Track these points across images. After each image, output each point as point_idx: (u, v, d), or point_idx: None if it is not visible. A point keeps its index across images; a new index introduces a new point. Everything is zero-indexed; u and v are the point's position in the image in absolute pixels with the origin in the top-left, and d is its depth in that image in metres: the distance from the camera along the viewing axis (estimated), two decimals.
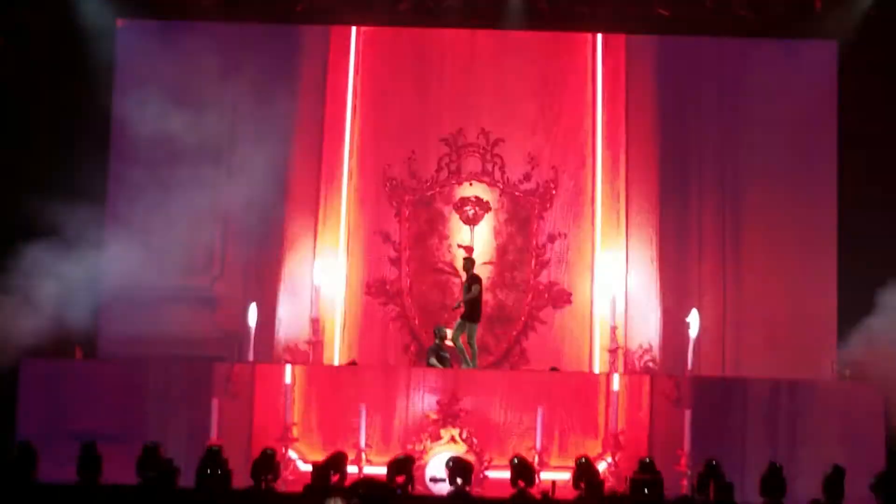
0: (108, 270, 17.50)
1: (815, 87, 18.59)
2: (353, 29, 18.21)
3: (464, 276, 16.89)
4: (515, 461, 12.28)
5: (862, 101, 18.33)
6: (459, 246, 17.63)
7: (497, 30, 18.35)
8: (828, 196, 18.12)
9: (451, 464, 12.11)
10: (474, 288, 16.61)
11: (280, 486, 13.80)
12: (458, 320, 16.51)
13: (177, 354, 17.10)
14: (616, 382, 15.07)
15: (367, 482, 10.27)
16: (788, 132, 18.38)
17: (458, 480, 12.43)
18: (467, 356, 16.32)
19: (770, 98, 18.42)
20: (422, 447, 14.31)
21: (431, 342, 17.21)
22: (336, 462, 12.71)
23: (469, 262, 16.91)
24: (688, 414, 14.56)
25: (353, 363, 16.70)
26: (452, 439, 14.38)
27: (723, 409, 15.10)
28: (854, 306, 17.00)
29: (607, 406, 14.78)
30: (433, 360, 16.12)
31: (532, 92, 18.05)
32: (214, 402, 15.01)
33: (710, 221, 18.12)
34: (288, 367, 15.12)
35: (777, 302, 17.86)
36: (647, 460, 12.82)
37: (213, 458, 12.13)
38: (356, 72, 18.30)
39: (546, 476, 14.12)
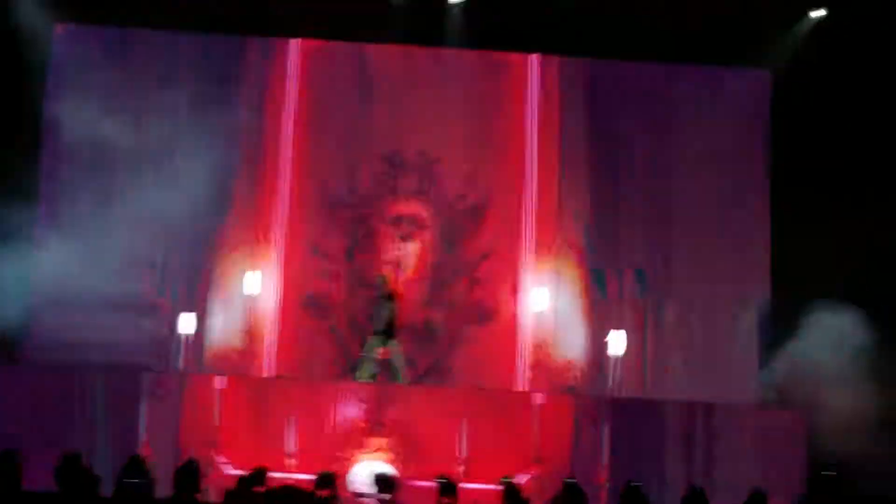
0: (39, 274, 17.54)
1: (747, 116, 18.85)
2: (295, 43, 18.36)
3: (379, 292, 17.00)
4: (440, 480, 12.43)
5: (794, 131, 18.41)
6: (393, 262, 17.75)
7: (436, 48, 18.54)
8: (759, 225, 18.34)
9: (378, 479, 12.20)
10: (389, 304, 16.71)
11: (203, 497, 14.09)
12: (382, 337, 16.54)
13: (108, 361, 16.83)
14: (538, 399, 15.21)
15: (288, 490, 10.53)
16: (720, 160, 18.59)
17: (386, 496, 12.61)
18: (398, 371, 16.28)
19: (702, 125, 18.65)
20: (348, 455, 14.46)
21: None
22: (259, 476, 12.94)
23: (383, 279, 17.08)
24: (606, 429, 14.84)
25: (280, 377, 16.59)
26: (379, 448, 14.55)
27: (641, 429, 15.27)
28: (783, 332, 17.25)
29: (529, 421, 14.95)
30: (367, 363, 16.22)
31: (470, 113, 18.27)
32: (143, 409, 14.99)
33: (640, 246, 18.28)
34: (217, 378, 15.13)
35: (700, 327, 18.04)
36: (572, 481, 12.86)
37: (136, 467, 12.02)
38: (298, 86, 18.33)
39: (470, 486, 14.09)
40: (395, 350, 16.58)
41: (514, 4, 18.37)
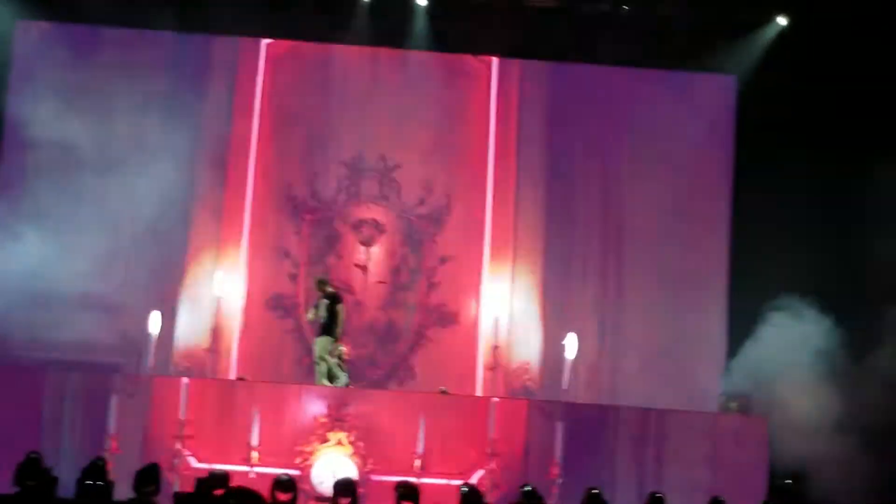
0: (2, 273, 17.46)
1: (711, 121, 18.93)
2: (262, 44, 18.53)
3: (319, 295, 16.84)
4: (401, 486, 12.45)
5: (758, 136, 18.44)
6: (355, 265, 17.98)
7: (399, 51, 18.64)
8: (719, 230, 18.57)
9: (337, 486, 12.04)
10: (340, 307, 16.57)
11: (162, 500, 14.49)
12: (326, 337, 16.46)
13: (77, 360, 17.06)
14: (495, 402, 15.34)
15: (245, 493, 10.60)
16: (683, 164, 18.70)
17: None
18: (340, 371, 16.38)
19: (664, 130, 18.72)
20: (310, 449, 14.66)
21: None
22: (220, 479, 13.02)
23: (324, 282, 16.93)
24: (559, 426, 15.10)
25: (241, 378, 16.66)
26: (339, 442, 14.75)
27: (594, 432, 15.49)
28: (743, 339, 17.27)
29: (485, 419, 15.15)
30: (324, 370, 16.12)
31: (430, 119, 18.44)
32: (112, 407, 15.02)
33: (595, 251, 18.61)
34: (184, 380, 15.26)
35: (658, 332, 18.25)
36: (529, 488, 12.96)
37: (96, 470, 12.08)
38: (263, 90, 18.52)
39: (428, 481, 14.42)
40: (338, 352, 16.64)
41: (478, 7, 18.43)
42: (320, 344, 16.37)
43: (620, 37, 18.71)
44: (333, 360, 16.33)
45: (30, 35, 18.68)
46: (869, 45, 18.26)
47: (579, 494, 13.86)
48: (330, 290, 16.73)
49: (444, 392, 16.54)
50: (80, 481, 11.80)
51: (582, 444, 15.45)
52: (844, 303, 17.13)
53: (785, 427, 16.43)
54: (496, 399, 15.60)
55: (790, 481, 15.87)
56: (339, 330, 16.42)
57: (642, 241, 18.63)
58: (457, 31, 18.63)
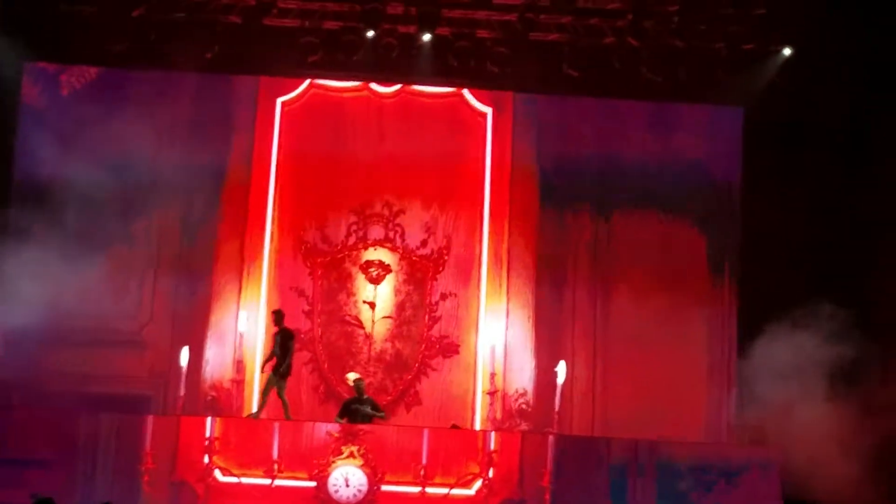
0: (20, 310, 17.53)
1: (719, 152, 19.29)
2: (278, 102, 19.14)
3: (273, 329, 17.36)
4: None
5: (765, 166, 18.56)
6: (365, 302, 18.80)
7: (404, 103, 19.19)
8: (727, 259, 19.01)
9: None
10: (291, 344, 17.22)
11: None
12: (275, 376, 16.95)
13: (108, 393, 18.02)
14: (493, 440, 16.07)
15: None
16: (683, 196, 19.10)
17: None
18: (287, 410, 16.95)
19: (667, 163, 19.19)
20: (325, 461, 15.65)
21: (339, 383, 18.27)
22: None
23: (279, 316, 17.42)
24: (551, 439, 16.10)
25: (252, 416, 17.09)
26: (351, 454, 15.69)
27: (585, 459, 16.13)
28: (753, 366, 17.36)
29: (485, 436, 16.28)
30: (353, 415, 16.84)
31: (431, 169, 19.10)
32: (148, 428, 16.04)
33: (584, 286, 19.06)
34: (209, 420, 16.14)
35: (645, 363, 18.59)
36: None
37: None
38: (279, 144, 19.12)
39: (431, 491, 15.71)
40: (279, 386, 17.03)
41: (482, 41, 18.79)
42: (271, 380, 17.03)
43: (625, 70, 18.82)
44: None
45: (38, 77, 19.14)
46: (873, 75, 18.44)
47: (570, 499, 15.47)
48: (282, 325, 17.32)
49: (455, 427, 17.36)
50: None
51: (572, 457, 16.16)
52: (851, 333, 16.86)
53: (800, 455, 16.33)
54: (493, 442, 16.14)
55: None
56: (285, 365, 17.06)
57: (626, 280, 18.96)
58: (461, 66, 18.85)
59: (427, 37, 18.73)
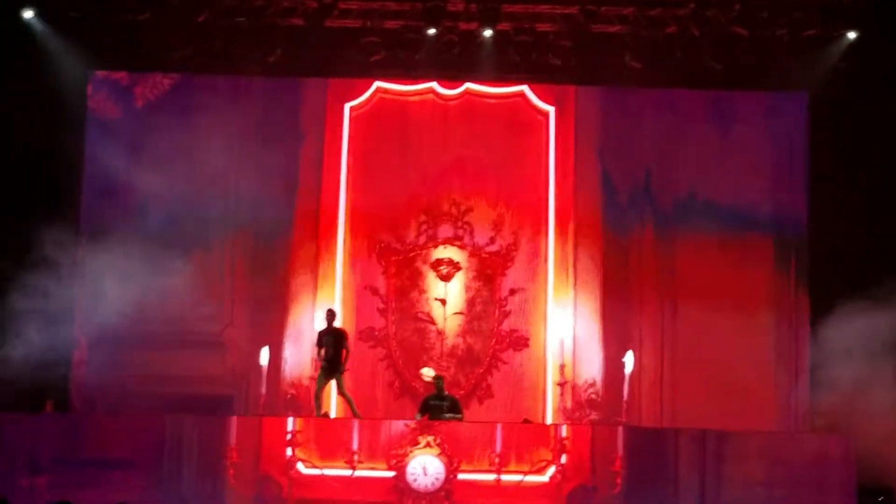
0: (96, 315, 18.25)
1: (785, 139, 19.30)
2: (347, 107, 19.34)
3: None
4: None
5: (832, 152, 18.59)
6: (436, 299, 19.11)
7: (467, 104, 19.30)
8: (797, 245, 19.06)
9: None
10: (346, 342, 17.45)
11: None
12: (332, 375, 17.26)
13: (191, 393, 18.51)
14: (564, 430, 16.44)
15: None
16: (750, 184, 19.12)
17: None
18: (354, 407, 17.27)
19: (733, 152, 19.25)
20: (403, 451, 16.05)
21: (413, 379, 18.62)
22: None
23: (333, 316, 17.67)
24: (620, 431, 16.41)
25: (325, 415, 17.39)
26: (428, 444, 16.06)
27: (654, 449, 16.37)
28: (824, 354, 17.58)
29: (556, 430, 16.57)
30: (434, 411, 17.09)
31: (497, 169, 19.36)
32: (232, 426, 16.47)
33: (650, 276, 19.22)
34: (290, 420, 16.52)
35: (712, 351, 18.76)
36: None
37: None
38: (349, 148, 19.41)
39: (505, 478, 16.01)
40: (340, 383, 17.40)
41: (543, 35, 18.95)
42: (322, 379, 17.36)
43: (688, 59, 18.95)
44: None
45: (112, 89, 19.44)
46: None
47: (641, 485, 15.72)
48: (331, 325, 17.59)
49: (527, 422, 17.64)
50: None
51: (642, 446, 16.44)
52: None
53: (873, 442, 16.31)
54: (565, 426, 16.80)
55: (882, 499, 16.39)
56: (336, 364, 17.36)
57: (689, 271, 19.12)
58: (523, 60, 19.05)
59: (488, 32, 18.96)
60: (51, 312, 17.91)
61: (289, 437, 16.33)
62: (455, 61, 19.19)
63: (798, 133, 19.36)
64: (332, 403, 18.04)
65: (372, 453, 16.33)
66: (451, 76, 19.48)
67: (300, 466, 16.25)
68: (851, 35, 18.79)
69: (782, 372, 19.07)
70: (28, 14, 19.07)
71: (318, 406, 17.44)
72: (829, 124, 18.94)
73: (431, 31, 18.96)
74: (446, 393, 17.61)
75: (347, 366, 17.54)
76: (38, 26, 19.09)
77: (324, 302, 18.91)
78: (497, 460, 16.17)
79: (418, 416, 17.05)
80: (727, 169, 19.36)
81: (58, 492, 15.80)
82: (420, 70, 19.31)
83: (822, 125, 19.07)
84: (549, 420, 18.65)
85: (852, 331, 17.12)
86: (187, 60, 19.15)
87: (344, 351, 17.46)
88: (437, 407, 17.23)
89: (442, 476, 16.09)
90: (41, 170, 18.77)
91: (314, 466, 16.25)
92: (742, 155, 19.43)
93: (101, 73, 19.52)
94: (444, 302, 19.31)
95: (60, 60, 19.09)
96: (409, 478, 16.07)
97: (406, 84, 19.53)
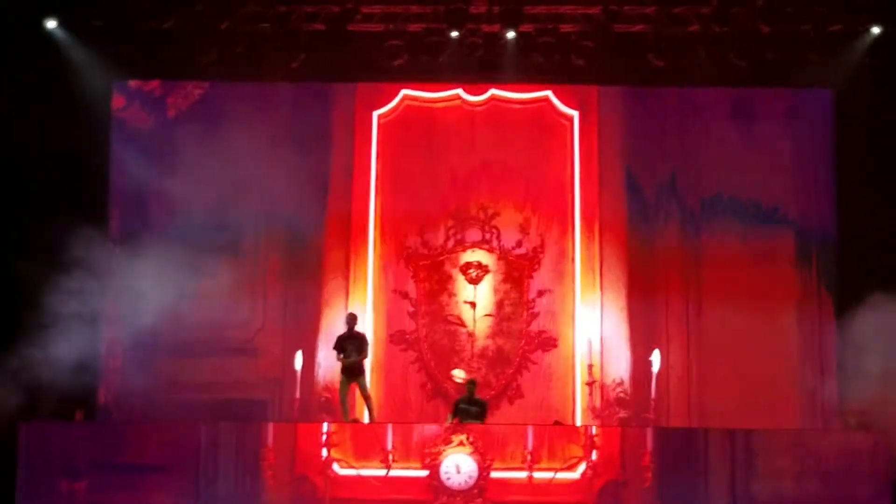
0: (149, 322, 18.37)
1: (810, 136, 19.35)
2: (374, 115, 19.54)
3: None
4: None
5: (858, 149, 18.42)
6: (465, 302, 19.30)
7: (492, 110, 19.41)
8: (825, 243, 19.15)
9: None
10: (366, 346, 17.76)
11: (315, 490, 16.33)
12: (355, 378, 17.60)
13: (225, 398, 18.71)
14: (594, 430, 16.68)
15: None
16: (775, 181, 19.23)
17: None
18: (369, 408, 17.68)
19: (757, 149, 19.33)
20: (436, 450, 16.29)
21: (445, 380, 18.84)
22: None
23: (354, 320, 17.98)
24: (649, 432, 16.62)
25: (354, 420, 17.76)
26: (461, 443, 16.29)
27: (683, 447, 16.56)
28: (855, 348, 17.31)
29: (586, 430, 16.79)
30: (462, 414, 17.21)
31: (523, 173, 19.56)
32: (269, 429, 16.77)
33: (676, 276, 19.36)
34: (325, 424, 16.85)
35: (737, 348, 18.91)
36: None
37: None
38: (377, 155, 19.62)
39: (538, 476, 16.22)
40: (363, 385, 17.73)
41: (566, 35, 18.90)
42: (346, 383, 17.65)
43: (711, 57, 18.84)
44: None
45: (145, 100, 19.60)
46: None
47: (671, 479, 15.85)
48: (353, 329, 17.83)
49: (557, 423, 17.95)
50: None
51: (671, 445, 16.67)
52: None
53: None
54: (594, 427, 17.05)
55: None
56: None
57: (716, 269, 19.23)
58: (546, 62, 19.03)
59: (511, 34, 18.97)
60: (82, 319, 17.93)
61: (324, 438, 16.60)
62: (479, 64, 19.25)
63: (823, 130, 19.47)
64: (365, 413, 18.18)
65: (406, 453, 16.55)
66: (475, 79, 19.58)
67: (336, 467, 16.49)
68: (876, 30, 18.71)
69: (808, 368, 19.20)
70: (51, 24, 19.12)
71: (346, 411, 17.72)
72: (855, 121, 18.88)
73: (454, 34, 19.02)
74: (476, 397, 17.78)
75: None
76: (62, 36, 19.15)
77: (355, 307, 19.13)
78: (529, 458, 16.37)
79: (450, 419, 17.30)
80: (752, 167, 19.49)
81: (97, 496, 16.30)
82: (444, 73, 19.36)
83: (847, 122, 19.05)
84: (578, 419, 18.89)
85: (881, 325, 17.11)
86: (211, 67, 19.21)
87: (364, 357, 17.81)
88: (465, 411, 17.41)
89: (475, 474, 16.31)
90: (69, 177, 18.78)
91: (350, 466, 16.50)
92: (767, 153, 19.55)
93: (133, 84, 19.77)
94: (473, 304, 19.49)
95: (84, 69, 19.14)
96: (443, 476, 16.30)
97: (432, 91, 19.73)
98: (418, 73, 19.37)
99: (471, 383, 17.89)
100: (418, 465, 16.45)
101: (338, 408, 18.13)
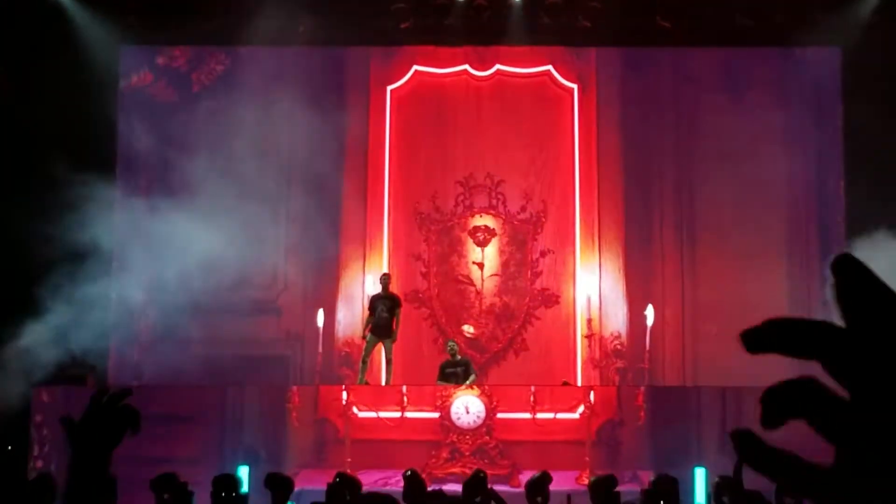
0: (148, 283, 18.55)
1: (818, 95, 19.52)
2: (388, 90, 20.24)
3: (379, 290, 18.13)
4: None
5: (866, 108, 17.68)
6: (474, 262, 20.20)
7: (497, 82, 19.95)
8: (833, 206, 19.53)
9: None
10: (389, 304, 17.88)
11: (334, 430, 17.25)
12: (383, 339, 17.81)
13: (250, 354, 19.33)
14: (592, 395, 17.50)
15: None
16: (782, 141, 19.39)
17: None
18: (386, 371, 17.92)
19: (764, 108, 19.48)
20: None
21: (455, 335, 19.40)
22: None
23: (388, 280, 18.28)
24: (643, 390, 17.61)
25: (366, 383, 18.09)
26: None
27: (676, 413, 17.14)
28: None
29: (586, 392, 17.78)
30: (449, 378, 17.55)
31: (526, 143, 20.29)
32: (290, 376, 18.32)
33: (670, 237, 20.14)
34: (344, 392, 17.55)
35: (728, 302, 19.17)
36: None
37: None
38: (391, 126, 20.36)
39: (540, 415, 17.19)
40: (388, 347, 18.00)
41: (572, 1, 18.83)
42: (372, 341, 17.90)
43: (718, 17, 18.65)
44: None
45: (136, 60, 19.85)
46: None
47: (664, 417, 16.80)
48: (387, 290, 18.08)
49: (566, 384, 18.59)
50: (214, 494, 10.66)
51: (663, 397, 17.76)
52: None
53: None
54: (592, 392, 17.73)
55: None
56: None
57: (708, 229, 19.85)
58: (553, 23, 19.03)
59: None
60: (100, 282, 17.93)
61: (344, 385, 17.91)
62: (485, 26, 19.18)
63: (831, 89, 19.61)
64: (383, 371, 18.65)
65: (420, 398, 17.53)
66: (482, 41, 19.61)
67: (355, 409, 17.44)
68: None
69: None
70: None
71: (363, 370, 18.06)
72: (863, 80, 18.51)
73: None
74: (459, 357, 18.09)
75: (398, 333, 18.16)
76: (67, 4, 18.90)
77: (372, 269, 19.86)
78: (532, 399, 17.41)
79: (439, 383, 17.67)
80: (757, 126, 19.71)
81: (126, 447, 16.91)
82: (450, 35, 19.38)
83: (855, 81, 18.81)
84: (578, 369, 19.96)
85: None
86: (215, 32, 19.01)
87: (395, 318, 18.07)
88: (452, 374, 17.68)
89: (483, 414, 17.19)
90: (79, 145, 18.19)
91: (368, 409, 17.46)
92: (773, 111, 19.78)
93: (133, 48, 19.95)
94: (481, 265, 20.24)
95: (89, 34, 18.87)
96: (454, 416, 17.13)
97: (441, 66, 20.51)
98: (424, 36, 19.50)
99: (451, 344, 18.21)
100: (431, 407, 17.36)
101: (356, 365, 18.78)
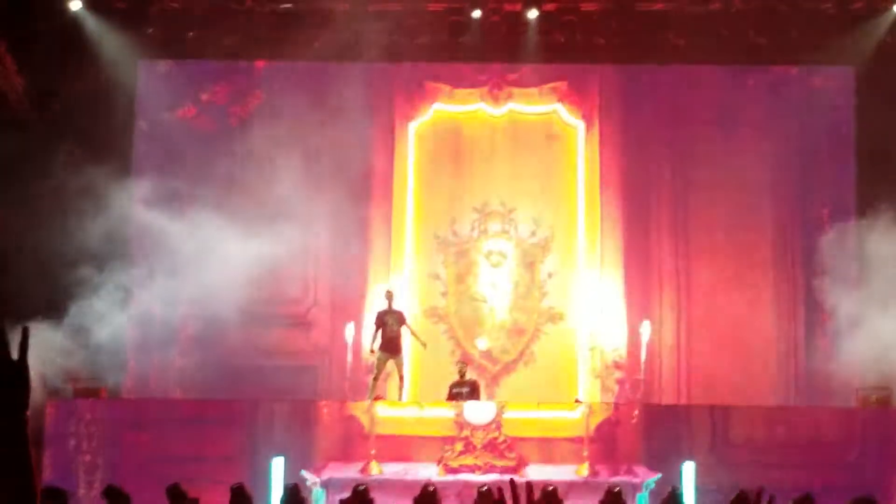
0: (181, 294, 18.95)
1: (831, 114, 19.73)
2: (411, 127, 21.00)
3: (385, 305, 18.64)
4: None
5: (879, 127, 17.65)
6: (488, 282, 21.26)
7: (511, 118, 20.62)
8: (844, 222, 19.53)
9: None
10: (395, 320, 18.36)
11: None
12: (394, 355, 18.39)
13: (280, 365, 20.10)
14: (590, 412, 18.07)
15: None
16: (794, 160, 19.88)
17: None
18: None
19: (775, 127, 19.96)
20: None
21: (471, 348, 20.58)
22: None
23: (391, 294, 18.73)
24: (636, 412, 18.12)
25: (378, 398, 18.65)
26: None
27: (669, 425, 17.73)
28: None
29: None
30: (456, 397, 18.09)
31: (536, 174, 21.20)
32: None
33: (668, 261, 20.94)
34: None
35: (721, 320, 20.48)
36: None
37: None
38: (414, 159, 21.23)
39: (544, 414, 18.03)
40: (399, 364, 18.57)
41: (587, 15, 18.85)
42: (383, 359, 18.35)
43: (732, 36, 18.57)
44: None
45: (155, 74, 20.27)
46: None
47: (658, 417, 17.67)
48: (391, 307, 18.55)
49: (577, 401, 19.10)
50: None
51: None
52: None
53: None
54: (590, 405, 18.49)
55: None
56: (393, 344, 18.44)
57: (701, 251, 20.72)
58: (567, 41, 19.01)
59: (533, 13, 18.81)
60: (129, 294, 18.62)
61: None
62: (500, 43, 19.27)
63: (844, 108, 19.95)
64: (397, 388, 19.23)
65: (435, 397, 18.99)
66: (497, 58, 19.67)
67: (378, 408, 18.28)
68: None
69: (782, 342, 20.78)
70: (75, 5, 18.71)
71: (373, 388, 18.60)
72: (876, 100, 18.39)
73: (476, 14, 18.79)
74: (468, 378, 18.70)
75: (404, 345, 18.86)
76: (86, 18, 18.92)
77: (395, 287, 20.30)
78: (537, 402, 18.78)
79: (447, 402, 18.18)
80: (768, 143, 20.23)
81: (160, 446, 17.21)
82: (465, 53, 19.48)
83: (868, 100, 18.71)
84: (581, 379, 21.10)
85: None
86: (234, 47, 19.05)
87: (402, 329, 18.61)
88: (458, 394, 18.23)
89: (493, 413, 18.25)
90: (97, 153, 18.37)
91: (391, 408, 18.67)
92: (785, 130, 20.24)
93: (151, 63, 20.28)
94: (494, 285, 21.26)
95: (109, 51, 18.95)
96: (467, 416, 17.91)
97: (459, 106, 21.47)
98: (439, 53, 19.56)
99: (461, 366, 18.88)
100: (447, 407, 18.18)
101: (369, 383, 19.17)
